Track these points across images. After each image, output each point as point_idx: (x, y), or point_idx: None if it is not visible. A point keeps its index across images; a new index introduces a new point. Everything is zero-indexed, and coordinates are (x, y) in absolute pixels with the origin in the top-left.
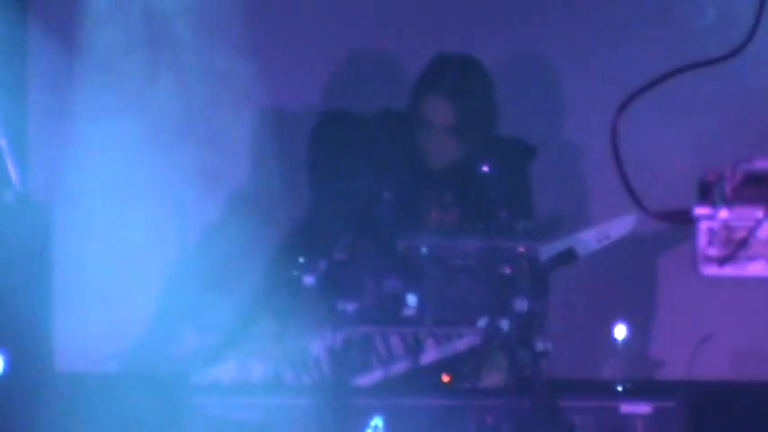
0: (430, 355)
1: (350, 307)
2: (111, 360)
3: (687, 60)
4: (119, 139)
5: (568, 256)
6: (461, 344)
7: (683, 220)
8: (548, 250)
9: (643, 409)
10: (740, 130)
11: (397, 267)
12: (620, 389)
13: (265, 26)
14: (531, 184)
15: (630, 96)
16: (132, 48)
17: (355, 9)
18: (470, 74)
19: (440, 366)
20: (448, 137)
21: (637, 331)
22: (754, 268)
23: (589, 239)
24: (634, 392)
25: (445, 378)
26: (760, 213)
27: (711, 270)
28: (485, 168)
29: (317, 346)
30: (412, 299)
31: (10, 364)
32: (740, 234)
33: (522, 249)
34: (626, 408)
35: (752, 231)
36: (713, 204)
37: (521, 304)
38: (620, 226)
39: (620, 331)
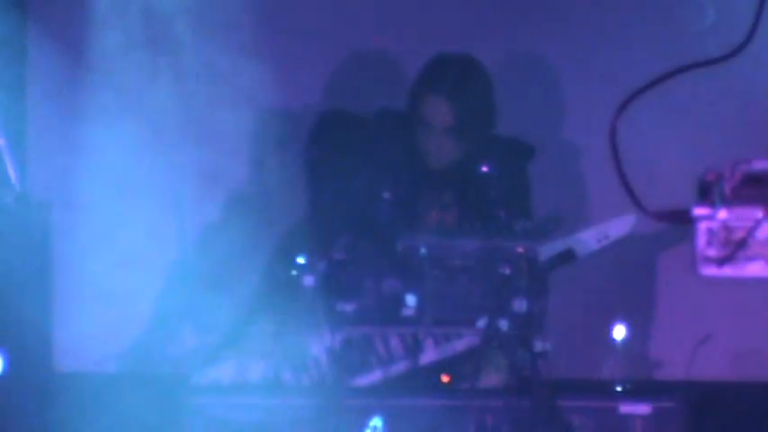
0: (429, 355)
1: (349, 307)
2: (111, 360)
3: (687, 60)
4: (118, 140)
5: (567, 256)
6: (461, 344)
7: (683, 221)
8: (547, 250)
9: (642, 409)
10: (740, 131)
11: (397, 268)
12: (619, 389)
13: (265, 26)
14: (531, 184)
15: (630, 96)
16: (132, 48)
17: (355, 9)
18: (470, 74)
19: (439, 367)
20: (447, 137)
21: (636, 331)
22: (754, 269)
23: (588, 239)
24: (633, 393)
25: (445, 378)
26: (759, 214)
27: (710, 270)
28: (484, 168)
29: (317, 346)
30: (411, 299)
31: (9, 363)
32: (739, 234)
33: (521, 249)
34: (625, 408)
35: (751, 232)
36: (712, 205)
37: (520, 304)
38: (620, 226)
39: (620, 331)
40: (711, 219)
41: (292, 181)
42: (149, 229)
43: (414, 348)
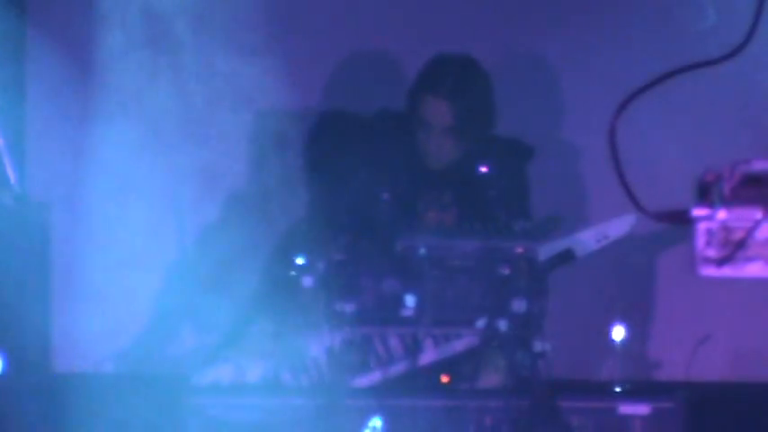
0: (428, 355)
1: (348, 307)
2: (110, 360)
3: (687, 61)
4: (117, 140)
5: (567, 256)
6: (460, 344)
7: (682, 221)
8: (546, 250)
9: (641, 409)
10: (739, 131)
11: (396, 268)
12: (618, 390)
13: (265, 26)
14: (530, 185)
15: (629, 96)
16: (132, 48)
17: (355, 9)
18: (469, 74)
19: (438, 367)
20: (447, 137)
21: (635, 332)
22: (753, 269)
23: (587, 240)
24: (632, 393)
25: (444, 379)
26: (758, 214)
27: (710, 271)
28: (483, 169)
29: (316, 346)
30: (410, 299)
31: (8, 364)
32: (738, 235)
33: (520, 250)
34: (624, 408)
35: (750, 232)
36: (712, 205)
37: (519, 305)
38: (619, 226)
39: (619, 332)
40: (711, 219)
41: (292, 181)
42: (149, 230)
43: (413, 349)
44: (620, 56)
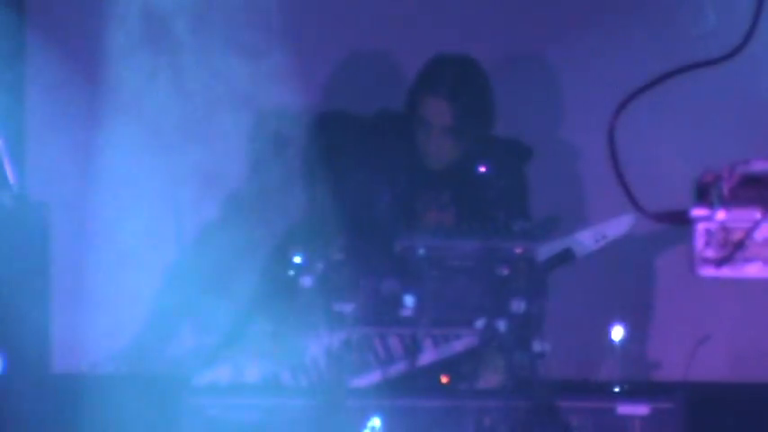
0: (428, 355)
1: (347, 308)
2: (109, 361)
3: (686, 61)
4: (117, 140)
5: (566, 256)
6: (459, 345)
7: (681, 221)
8: (545, 251)
9: (641, 410)
10: (738, 131)
11: (395, 268)
12: (617, 390)
13: (264, 26)
14: (529, 185)
15: (629, 97)
16: (131, 48)
17: (355, 9)
18: (468, 74)
19: (438, 367)
20: (446, 137)
21: (634, 332)
22: (752, 269)
23: (586, 240)
24: (631, 393)
25: (443, 379)
26: (757, 215)
27: (708, 271)
28: (482, 169)
29: (315, 346)
30: (409, 300)
31: (8, 364)
32: (737, 235)
33: (519, 250)
34: (623, 409)
35: (749, 233)
36: (710, 206)
37: (518, 305)
38: (618, 226)
39: (618, 332)
40: (710, 220)
41: (291, 181)
42: (148, 230)
43: (412, 349)
44: (620, 56)
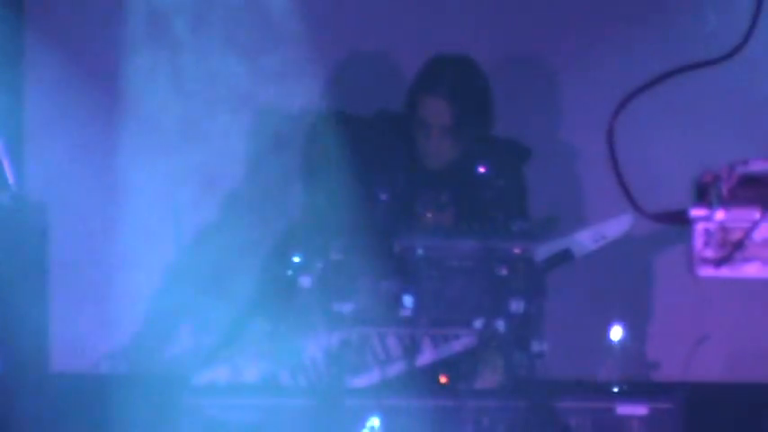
0: (426, 355)
1: (346, 308)
2: (107, 360)
3: (685, 61)
4: (115, 140)
5: (564, 256)
6: (458, 345)
7: (680, 222)
8: (544, 251)
9: (639, 410)
10: (737, 132)
11: (394, 268)
12: (616, 390)
13: (264, 26)
14: (528, 185)
15: (628, 97)
16: (130, 48)
17: (354, 9)
18: (468, 74)
19: (436, 367)
20: (445, 137)
21: (633, 332)
22: (750, 270)
23: (585, 240)
24: (630, 394)
25: (442, 379)
26: (756, 215)
27: (707, 271)
28: (481, 169)
29: (314, 346)
30: (408, 300)
31: (6, 363)
32: (736, 235)
33: (518, 250)
34: (622, 409)
35: (748, 233)
36: (709, 206)
37: (517, 305)
38: (617, 226)
39: (617, 332)
40: (708, 220)
41: (290, 181)
42: (146, 230)
43: (411, 349)
44: (619, 56)
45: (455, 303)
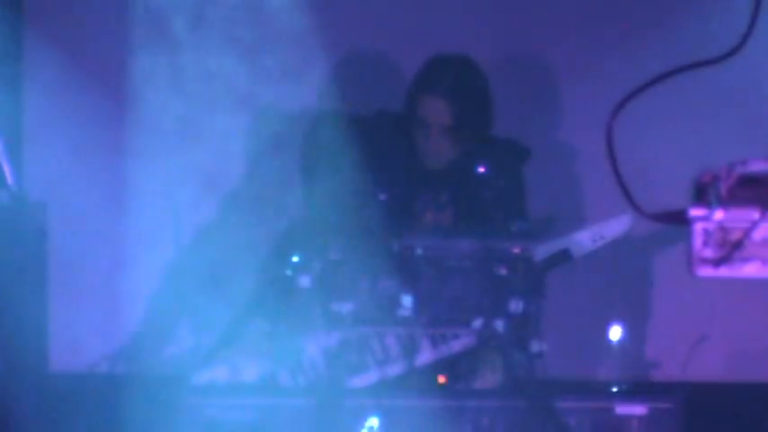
0: (425, 355)
1: (345, 307)
2: (106, 360)
3: (684, 61)
4: (115, 140)
5: (563, 256)
6: (457, 345)
7: (679, 221)
8: (543, 251)
9: (639, 410)
10: (736, 131)
11: (393, 268)
12: (615, 390)
13: (264, 26)
14: (527, 185)
15: (627, 97)
16: (130, 48)
17: (354, 9)
18: (467, 74)
19: (435, 367)
20: (444, 137)
21: (632, 332)
22: (750, 269)
23: (584, 240)
24: (630, 393)
25: (441, 379)
26: (755, 215)
27: (706, 271)
28: (480, 169)
29: (313, 346)
30: (407, 299)
31: (4, 363)
32: (735, 235)
33: (517, 250)
34: (621, 409)
35: (747, 233)
36: (708, 205)
37: (516, 305)
38: (616, 226)
39: (616, 332)
40: (707, 220)
41: (289, 181)
42: (146, 230)
43: (410, 349)
44: (618, 56)
45: (454, 303)
